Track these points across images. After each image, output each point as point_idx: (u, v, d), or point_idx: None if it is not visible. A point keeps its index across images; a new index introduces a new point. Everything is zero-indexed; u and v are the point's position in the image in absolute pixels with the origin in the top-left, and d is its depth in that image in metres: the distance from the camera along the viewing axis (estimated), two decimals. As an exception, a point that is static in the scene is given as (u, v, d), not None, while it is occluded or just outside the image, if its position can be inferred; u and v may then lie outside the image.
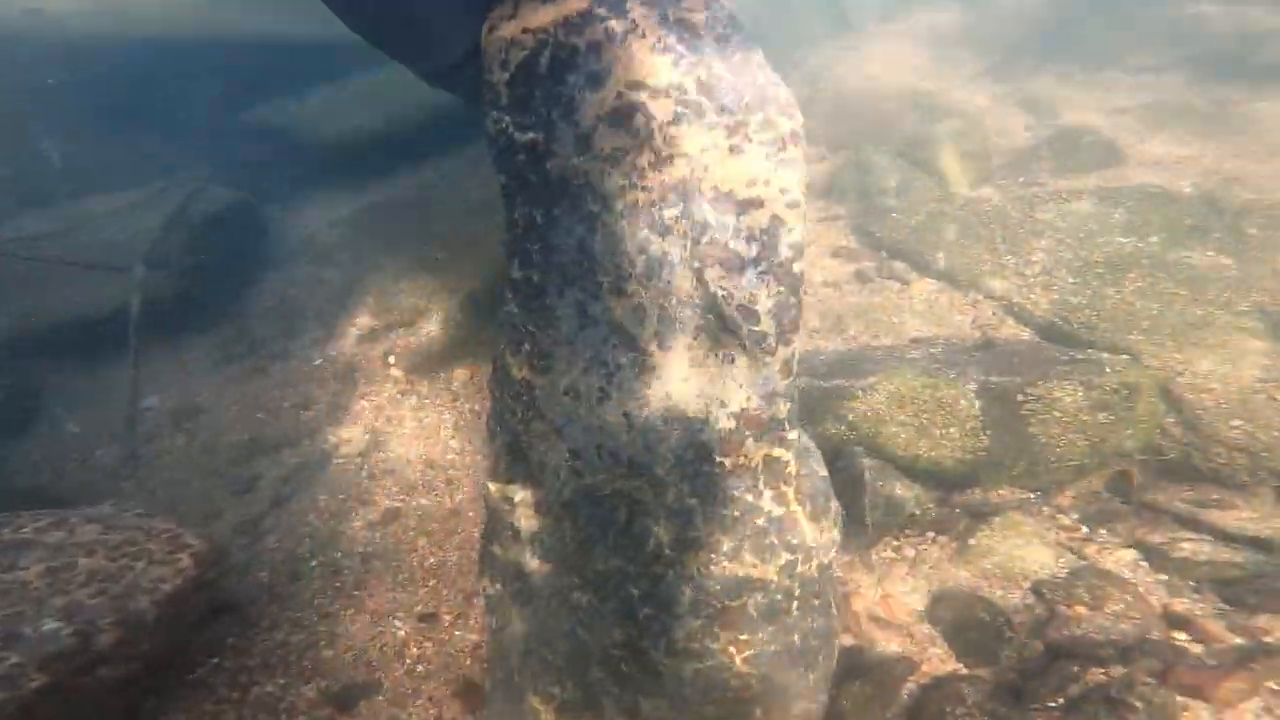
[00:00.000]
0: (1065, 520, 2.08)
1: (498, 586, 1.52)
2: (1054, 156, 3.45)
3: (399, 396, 2.78)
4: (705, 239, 1.00)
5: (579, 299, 1.18)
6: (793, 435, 1.18)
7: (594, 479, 1.28)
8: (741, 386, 1.10)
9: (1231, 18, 4.54)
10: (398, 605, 1.93)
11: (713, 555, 1.21)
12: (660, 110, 0.99)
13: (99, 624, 1.46)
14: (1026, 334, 2.61)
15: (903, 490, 2.06)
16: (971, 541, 1.99)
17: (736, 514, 1.18)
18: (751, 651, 1.27)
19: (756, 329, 1.04)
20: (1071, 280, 2.56)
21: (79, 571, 1.53)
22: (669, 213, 1.02)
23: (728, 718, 1.34)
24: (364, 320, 2.93)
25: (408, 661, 1.79)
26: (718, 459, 1.15)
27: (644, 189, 1.03)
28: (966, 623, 1.77)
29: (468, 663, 1.80)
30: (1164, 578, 1.84)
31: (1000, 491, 2.16)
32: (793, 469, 1.20)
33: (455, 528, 2.18)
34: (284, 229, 3.24)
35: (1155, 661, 1.57)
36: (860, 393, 2.13)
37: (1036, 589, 1.83)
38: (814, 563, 1.30)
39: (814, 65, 5.23)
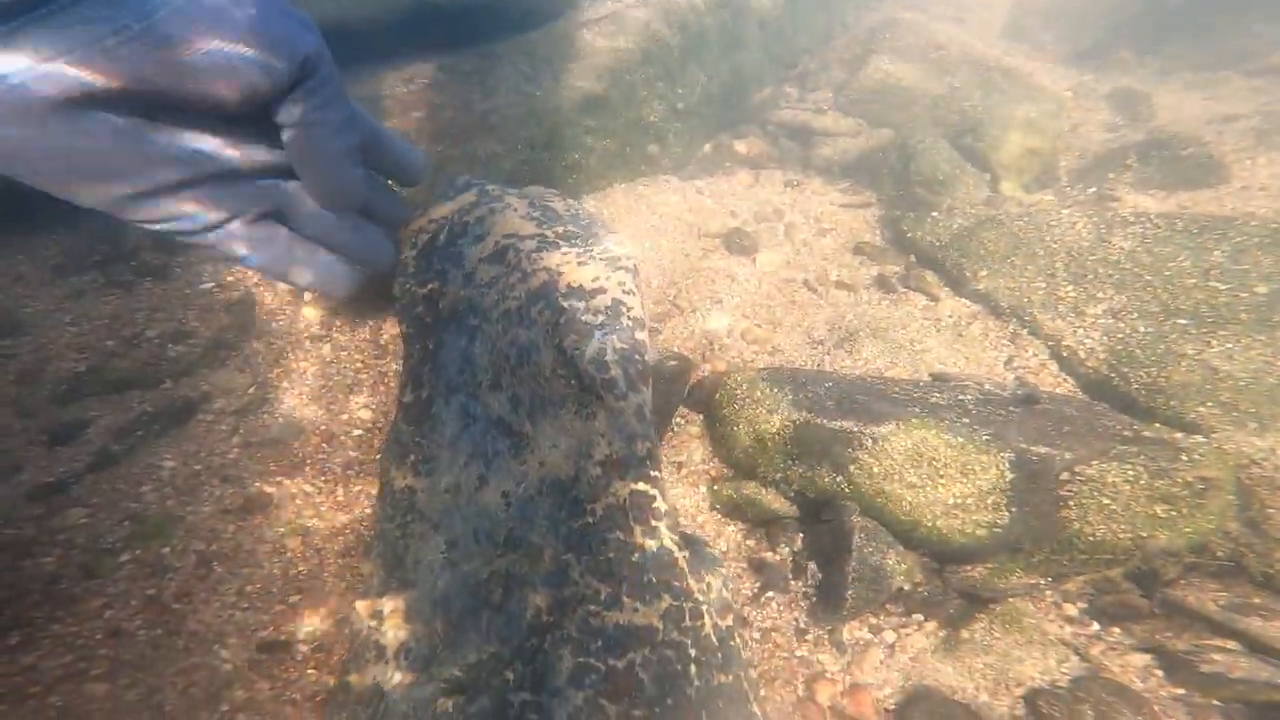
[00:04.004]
0: (1072, 610, 1.73)
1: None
2: (1139, 165, 2.90)
3: (308, 343, 2.26)
4: (562, 320, 1.21)
5: (462, 402, 1.37)
6: (656, 473, 1.20)
7: (470, 565, 1.27)
8: (603, 436, 1.18)
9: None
10: (233, 627, 1.47)
11: (591, 607, 1.14)
12: (526, 246, 1.36)
13: None
14: (1069, 385, 2.16)
15: (894, 560, 1.67)
16: (964, 633, 1.65)
17: (610, 555, 1.15)
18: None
19: (607, 376, 1.15)
20: (1144, 330, 2.08)
21: None
22: (534, 309, 1.27)
23: None
24: (276, 242, 2.39)
25: (224, 708, 1.33)
26: (588, 507, 1.17)
27: (514, 298, 1.31)
28: (944, 740, 1.42)
29: None
30: (1182, 693, 1.54)
31: (1010, 577, 1.76)
32: (660, 505, 1.20)
33: (343, 527, 1.71)
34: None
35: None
36: (871, 442, 1.67)
37: (1030, 699, 1.52)
38: (706, 620, 1.18)
39: (869, 27, 4.53)
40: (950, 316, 2.44)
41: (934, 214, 2.81)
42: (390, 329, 2.46)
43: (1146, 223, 2.33)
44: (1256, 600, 1.69)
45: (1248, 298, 2.06)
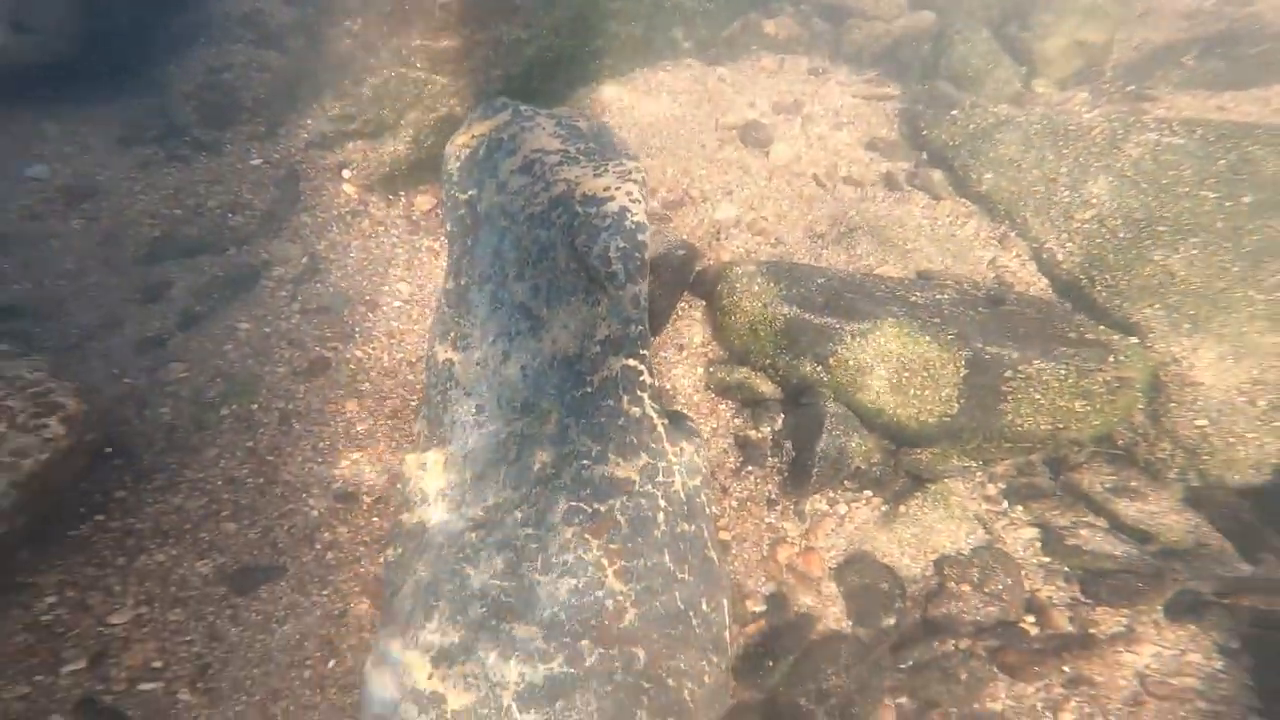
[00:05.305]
0: (993, 490, 2.04)
1: (398, 551, 1.57)
2: (1198, 62, 2.75)
3: (348, 217, 2.48)
4: (576, 223, 1.46)
5: (492, 290, 1.62)
6: (644, 352, 1.44)
7: (493, 426, 1.54)
8: (604, 319, 1.43)
9: None
10: (314, 480, 1.79)
11: (584, 462, 1.40)
12: (550, 160, 1.61)
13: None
14: (1043, 285, 2.32)
15: (857, 442, 1.94)
16: (901, 508, 1.95)
17: (602, 420, 1.40)
18: (624, 563, 1.39)
19: (609, 270, 1.41)
20: (1122, 235, 2.21)
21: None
22: (554, 214, 1.53)
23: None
24: (316, 123, 2.51)
25: (318, 546, 1.69)
26: (588, 379, 1.42)
27: (538, 204, 1.56)
28: (867, 590, 1.80)
29: (389, 553, 1.71)
30: (1048, 560, 1.88)
31: (949, 460, 2.03)
32: (646, 379, 1.43)
33: (389, 391, 2.01)
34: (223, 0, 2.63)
35: (995, 641, 1.74)
36: (849, 338, 1.90)
37: (939, 563, 1.86)
38: (677, 480, 1.49)
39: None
40: (948, 216, 2.56)
41: (954, 112, 2.81)
42: (421, 205, 2.65)
43: (1165, 129, 2.34)
44: (1134, 484, 1.95)
45: (1231, 206, 2.14)
